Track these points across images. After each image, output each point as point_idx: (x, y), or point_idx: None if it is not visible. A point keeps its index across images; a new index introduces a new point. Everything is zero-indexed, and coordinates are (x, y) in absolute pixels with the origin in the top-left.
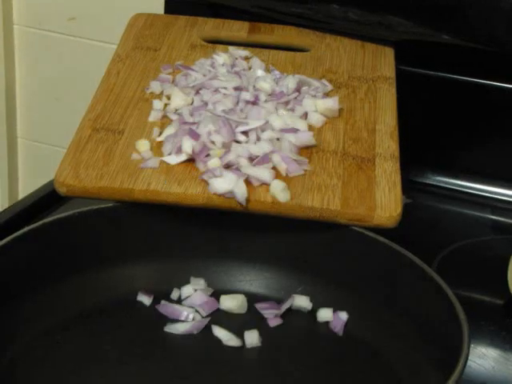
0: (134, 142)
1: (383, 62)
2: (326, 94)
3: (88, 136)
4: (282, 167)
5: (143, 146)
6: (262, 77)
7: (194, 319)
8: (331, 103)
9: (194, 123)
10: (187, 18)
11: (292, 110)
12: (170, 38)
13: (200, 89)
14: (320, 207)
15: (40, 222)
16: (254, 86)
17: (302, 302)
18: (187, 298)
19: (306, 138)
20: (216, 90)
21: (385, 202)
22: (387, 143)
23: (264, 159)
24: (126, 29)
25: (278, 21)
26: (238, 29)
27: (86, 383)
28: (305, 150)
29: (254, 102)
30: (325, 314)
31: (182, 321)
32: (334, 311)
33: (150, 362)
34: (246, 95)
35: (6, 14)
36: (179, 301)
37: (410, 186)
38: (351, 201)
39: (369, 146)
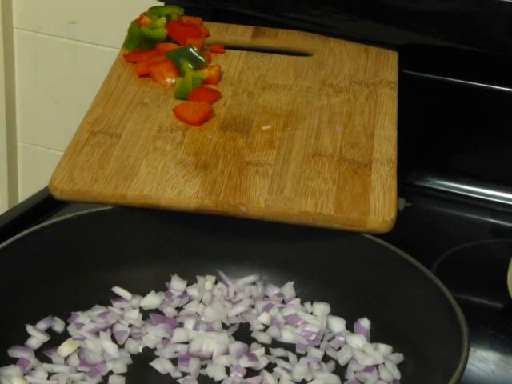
0: (130, 146)
1: (386, 66)
2: None
3: (85, 139)
4: None
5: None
6: None
7: None
8: None
9: None
10: None
11: None
12: None
13: None
14: (313, 212)
15: (38, 226)
16: None
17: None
18: None
19: None
20: None
21: (378, 207)
22: (385, 148)
23: None
24: None
25: (282, 25)
26: (242, 33)
27: None
28: (303, 153)
29: None
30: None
31: None
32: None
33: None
34: None
35: (6, 17)
36: None
37: (409, 189)
38: (345, 205)
39: (366, 151)
